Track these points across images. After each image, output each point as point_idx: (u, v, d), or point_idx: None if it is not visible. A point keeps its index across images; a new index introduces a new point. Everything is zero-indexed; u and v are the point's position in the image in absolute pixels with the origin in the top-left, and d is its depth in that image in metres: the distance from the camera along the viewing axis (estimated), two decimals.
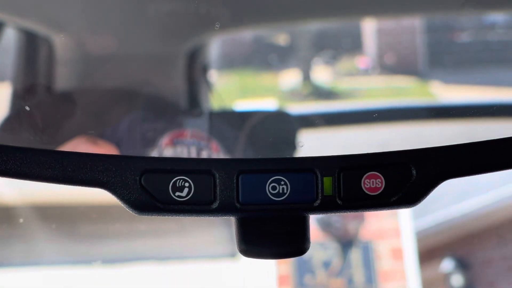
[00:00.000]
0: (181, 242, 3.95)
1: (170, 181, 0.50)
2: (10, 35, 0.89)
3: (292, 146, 0.81)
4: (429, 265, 5.99)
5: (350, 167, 0.51)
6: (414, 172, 0.51)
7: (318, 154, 0.55)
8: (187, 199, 0.50)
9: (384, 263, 3.65)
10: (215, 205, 0.50)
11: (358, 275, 3.57)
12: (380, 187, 0.50)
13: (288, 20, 0.94)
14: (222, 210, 0.51)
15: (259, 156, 0.69)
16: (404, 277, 3.61)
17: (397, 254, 3.69)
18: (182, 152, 0.69)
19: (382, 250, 3.67)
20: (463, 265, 6.26)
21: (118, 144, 0.66)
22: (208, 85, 0.97)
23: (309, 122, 0.90)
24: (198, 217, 0.50)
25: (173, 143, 0.69)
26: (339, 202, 0.51)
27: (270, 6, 0.85)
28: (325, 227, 3.54)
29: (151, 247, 4.01)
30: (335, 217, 3.55)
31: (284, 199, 0.50)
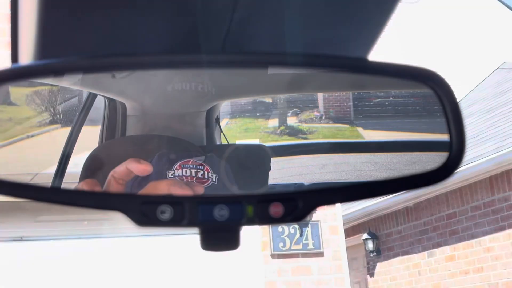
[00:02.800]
0: None
1: (157, 208, 0.66)
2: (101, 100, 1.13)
3: (262, 174, 1.02)
4: (354, 237, 7.95)
5: (263, 200, 0.67)
6: (300, 203, 0.67)
7: (247, 192, 0.78)
8: (168, 219, 0.65)
9: (326, 235, 5.13)
10: (185, 222, 0.65)
11: (310, 242, 5.08)
12: (280, 212, 0.66)
13: (272, 93, 1.16)
14: (190, 225, 0.65)
15: (233, 185, 0.88)
16: (338, 244, 5.17)
17: (334, 229, 5.18)
18: (186, 172, 0.86)
19: (325, 227, 5.15)
20: (374, 236, 8.29)
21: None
22: (219, 130, 1.18)
23: (277, 151, 1.08)
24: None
25: (181, 167, 0.86)
26: (257, 220, 0.67)
27: (260, 85, 1.09)
28: None
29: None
30: None
31: (225, 219, 0.66)
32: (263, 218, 0.67)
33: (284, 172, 1.14)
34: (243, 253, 5.11)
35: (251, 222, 0.67)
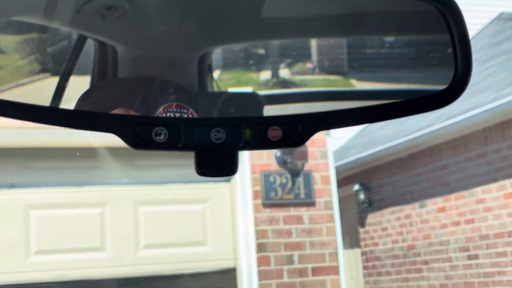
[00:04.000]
0: (187, 170, 5.32)
1: (152, 130, 0.64)
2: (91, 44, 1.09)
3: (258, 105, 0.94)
4: (345, 188, 8.00)
5: (261, 123, 0.66)
6: (299, 127, 0.66)
7: (244, 115, 0.75)
8: (163, 141, 0.64)
9: (317, 185, 5.15)
10: (180, 145, 0.64)
11: (302, 192, 5.10)
12: (278, 136, 0.65)
13: (265, 38, 1.09)
14: (185, 148, 0.64)
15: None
16: (330, 194, 5.21)
17: (326, 180, 5.20)
18: (170, 116, 0.83)
19: (317, 177, 5.16)
20: (365, 187, 8.33)
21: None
22: (211, 78, 1.12)
23: (270, 99, 1.03)
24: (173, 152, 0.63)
25: (165, 111, 0.84)
26: (255, 144, 0.66)
27: (253, 30, 1.03)
28: (282, 163, 5.15)
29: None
30: (289, 158, 5.15)
31: (222, 142, 0.65)
32: (261, 142, 0.66)
33: None
34: (234, 201, 5.15)
35: (248, 145, 0.66)
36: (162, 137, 0.65)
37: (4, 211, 4.66)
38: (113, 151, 4.98)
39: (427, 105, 0.71)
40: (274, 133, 0.66)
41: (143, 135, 0.65)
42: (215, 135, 0.66)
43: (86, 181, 4.93)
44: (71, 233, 4.79)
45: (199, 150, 0.66)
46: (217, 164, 0.68)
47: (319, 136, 5.31)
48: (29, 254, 4.65)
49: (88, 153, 4.94)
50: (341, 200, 5.48)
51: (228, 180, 5.24)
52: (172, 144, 0.65)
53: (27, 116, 0.67)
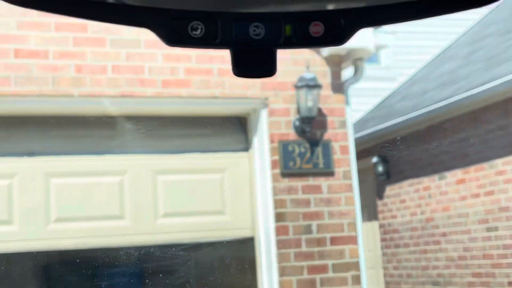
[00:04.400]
0: (205, 140, 5.31)
1: (188, 24, 0.62)
2: None
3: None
4: (364, 160, 7.98)
5: (302, 18, 0.62)
6: (342, 22, 0.63)
7: (285, 9, 0.68)
8: (200, 36, 0.61)
9: (336, 155, 5.13)
10: (217, 41, 0.61)
11: (321, 162, 5.07)
12: (320, 32, 0.62)
13: None
14: (222, 44, 0.61)
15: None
16: (349, 164, 5.20)
17: (345, 149, 5.16)
18: None
19: (336, 147, 5.13)
20: (384, 160, 8.29)
21: None
22: None
23: None
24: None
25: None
26: (295, 40, 0.62)
27: None
28: (301, 133, 5.13)
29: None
30: (308, 127, 5.13)
31: (261, 38, 0.61)
32: (302, 38, 0.63)
33: None
34: (252, 171, 5.14)
35: (288, 42, 0.62)
36: (198, 32, 0.62)
37: (24, 179, 4.69)
38: (132, 120, 4.99)
39: (472, 1, 0.66)
40: (316, 28, 0.63)
41: (179, 29, 0.62)
42: (254, 30, 0.63)
43: (105, 150, 4.94)
44: (91, 201, 4.83)
45: (236, 47, 0.63)
46: (255, 62, 0.64)
47: (338, 105, 5.28)
48: (49, 221, 4.70)
49: (107, 122, 4.95)
50: (359, 172, 5.46)
51: (246, 150, 5.24)
52: (208, 40, 0.62)
53: (58, 8, 0.63)
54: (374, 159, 8.36)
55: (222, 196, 5.14)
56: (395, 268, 8.33)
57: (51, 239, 4.68)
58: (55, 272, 4.93)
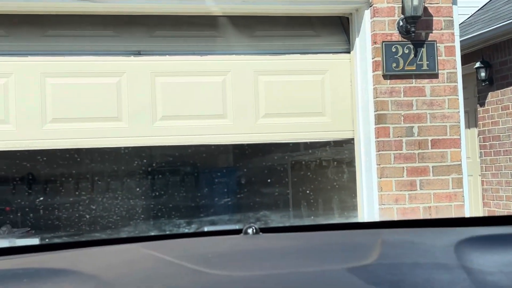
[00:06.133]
0: (306, 41, 5.27)
1: None
2: None
3: None
4: (466, 65, 7.72)
5: None
6: None
7: None
8: None
9: (441, 56, 5.01)
10: None
11: (425, 63, 4.95)
12: None
13: None
14: None
15: None
16: (454, 66, 5.00)
17: (451, 51, 5.04)
18: None
19: (441, 47, 5.01)
20: (487, 64, 8.00)
21: None
22: None
23: None
24: None
25: None
26: None
27: None
28: (405, 33, 4.97)
29: None
30: (412, 27, 4.97)
31: None
32: None
33: None
34: (353, 72, 5.09)
35: None
36: None
37: (131, 78, 4.84)
38: (234, 19, 5.01)
39: None
40: None
41: None
42: None
43: (208, 50, 5.01)
44: (193, 101, 4.93)
45: None
46: None
47: (444, 4, 5.09)
48: (155, 119, 4.86)
49: (210, 22, 4.99)
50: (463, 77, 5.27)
51: (348, 51, 5.19)
52: None
53: None
54: (477, 65, 8.08)
55: (323, 97, 5.15)
56: (494, 175, 8.18)
57: (157, 137, 4.85)
58: (163, 165, 5.15)
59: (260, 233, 1.25)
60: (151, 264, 1.05)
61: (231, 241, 1.26)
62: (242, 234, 1.24)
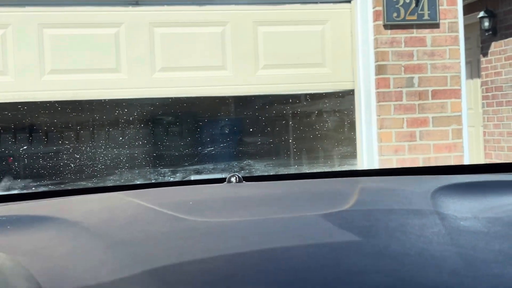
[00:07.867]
0: None
1: None
2: None
3: None
4: (469, 15, 7.62)
5: None
6: None
7: None
8: None
9: (443, 5, 4.92)
10: None
11: (426, 13, 4.89)
12: None
13: None
14: None
15: None
16: (456, 15, 4.93)
17: (453, 0, 4.94)
18: None
19: None
20: (491, 14, 7.88)
21: None
22: None
23: None
24: None
25: None
26: None
27: None
28: None
29: None
30: None
31: None
32: None
33: None
34: (354, 22, 5.04)
35: None
36: None
37: (130, 29, 4.79)
38: None
39: None
40: None
41: None
42: None
43: (207, 0, 4.94)
44: (192, 51, 4.90)
45: None
46: None
47: None
48: (154, 70, 4.84)
49: None
50: (463, 28, 5.21)
51: (348, 1, 5.11)
52: None
53: None
54: (480, 14, 7.97)
55: (323, 48, 5.11)
56: (496, 126, 8.17)
57: (155, 88, 4.84)
58: (165, 116, 5.15)
59: (244, 181, 1.28)
60: (132, 211, 1.08)
61: (213, 190, 1.29)
62: (225, 183, 1.27)
